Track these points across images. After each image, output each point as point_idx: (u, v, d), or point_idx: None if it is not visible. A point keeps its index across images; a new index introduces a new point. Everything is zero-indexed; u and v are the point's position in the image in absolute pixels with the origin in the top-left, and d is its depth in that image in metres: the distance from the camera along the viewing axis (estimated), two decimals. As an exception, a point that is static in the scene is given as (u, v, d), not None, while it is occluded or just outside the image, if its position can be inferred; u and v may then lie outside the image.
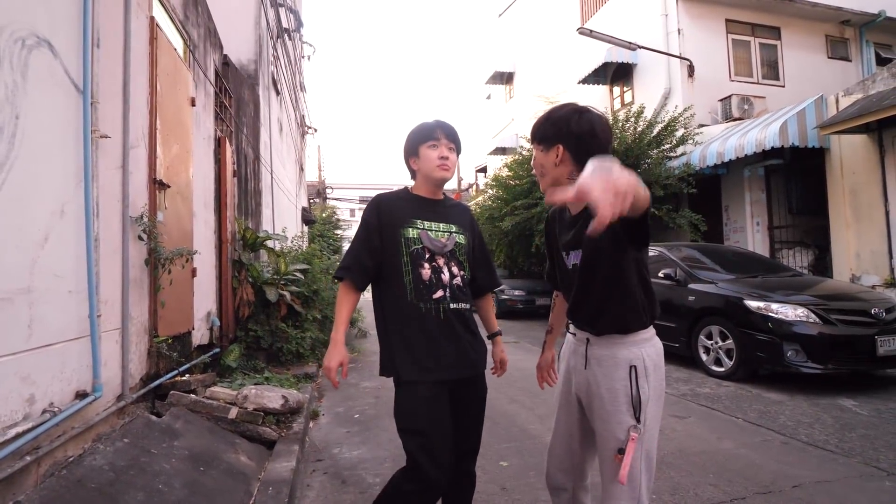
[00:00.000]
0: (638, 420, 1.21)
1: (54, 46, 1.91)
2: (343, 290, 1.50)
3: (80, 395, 2.03)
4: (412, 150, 1.55)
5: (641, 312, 1.26)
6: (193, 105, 3.60)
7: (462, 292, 1.52)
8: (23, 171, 1.70)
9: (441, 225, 1.53)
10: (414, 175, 1.59)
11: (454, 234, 1.54)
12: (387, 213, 1.52)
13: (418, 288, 1.46)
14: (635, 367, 1.24)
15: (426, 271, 1.47)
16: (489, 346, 1.66)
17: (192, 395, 2.83)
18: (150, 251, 2.70)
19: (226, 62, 5.12)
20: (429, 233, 1.50)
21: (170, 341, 2.98)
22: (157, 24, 2.92)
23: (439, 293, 1.47)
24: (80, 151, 2.06)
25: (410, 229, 1.49)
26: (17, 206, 1.68)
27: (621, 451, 1.18)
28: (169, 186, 3.00)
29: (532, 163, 1.35)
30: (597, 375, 1.27)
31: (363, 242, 1.51)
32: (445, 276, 1.49)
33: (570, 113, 1.31)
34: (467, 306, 1.54)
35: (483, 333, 1.65)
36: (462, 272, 1.54)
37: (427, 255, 1.48)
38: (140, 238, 2.61)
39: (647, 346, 1.26)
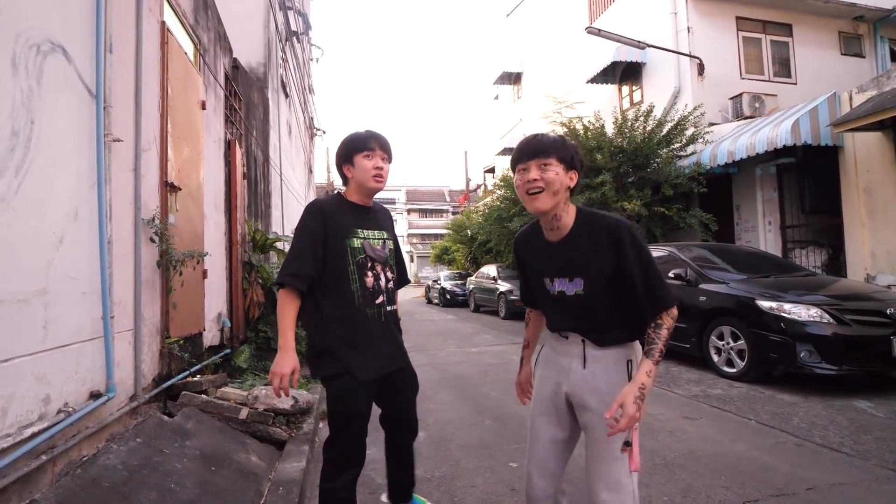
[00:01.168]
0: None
1: (68, 52, 1.95)
2: (287, 297, 1.53)
3: (94, 396, 2.06)
4: (346, 158, 1.65)
5: (644, 327, 1.30)
6: (204, 108, 3.64)
7: (393, 294, 1.71)
8: (38, 174, 1.73)
9: (376, 233, 1.68)
10: (346, 181, 1.69)
11: (386, 241, 1.71)
12: (331, 222, 1.59)
13: (365, 295, 1.60)
14: (631, 360, 1.33)
15: (370, 279, 1.61)
16: None
17: (204, 396, 2.86)
18: (162, 253, 2.73)
19: (235, 65, 5.17)
20: (370, 241, 1.64)
21: (181, 342, 3.01)
22: (167, 29, 2.96)
23: (380, 298, 1.63)
24: (93, 155, 2.09)
25: (354, 239, 1.61)
26: (32, 208, 1.71)
27: (628, 443, 1.22)
28: (180, 189, 3.04)
29: (533, 177, 1.29)
30: (595, 372, 1.33)
31: (309, 251, 1.55)
32: (382, 282, 1.65)
33: (579, 149, 1.40)
34: (396, 307, 1.74)
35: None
36: (392, 275, 1.71)
37: (369, 264, 1.62)
38: (152, 240, 2.65)
39: (639, 343, 1.34)
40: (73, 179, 1.97)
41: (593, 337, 1.34)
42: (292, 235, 1.71)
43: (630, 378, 1.28)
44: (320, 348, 1.59)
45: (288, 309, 1.52)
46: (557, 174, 1.29)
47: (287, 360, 1.46)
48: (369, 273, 1.61)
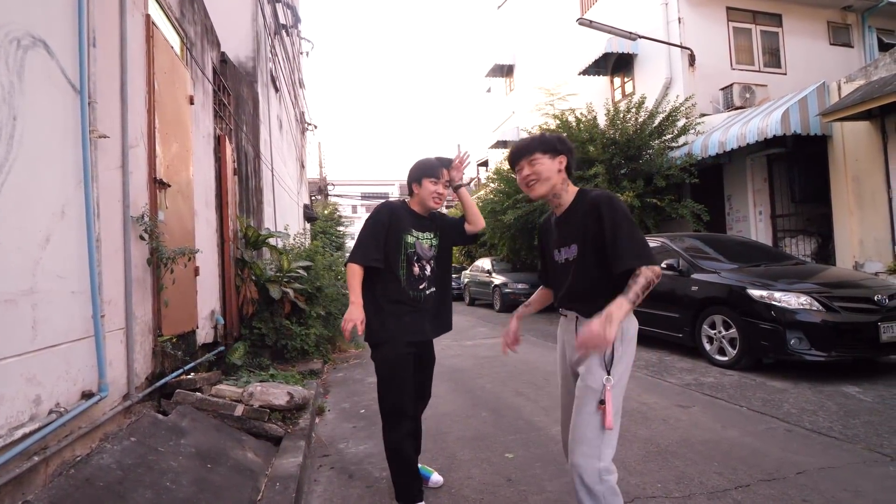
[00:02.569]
0: (609, 373, 1.42)
1: (50, 46, 1.90)
2: (354, 269, 1.94)
3: (87, 395, 2.04)
4: (416, 179, 2.08)
5: None
6: (192, 103, 3.59)
7: (434, 281, 2.10)
8: (22, 172, 1.70)
9: (427, 234, 2.10)
10: (411, 193, 2.13)
11: (432, 241, 2.12)
12: (395, 219, 2.02)
13: (410, 280, 2.01)
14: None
15: (416, 269, 2.02)
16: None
17: (198, 394, 2.85)
18: (153, 251, 2.70)
19: (224, 59, 5.10)
20: (421, 242, 2.06)
21: (174, 340, 2.99)
22: (153, 22, 2.90)
23: (423, 284, 2.04)
24: (79, 152, 2.06)
25: (408, 237, 2.02)
26: (17, 207, 1.68)
27: (602, 402, 1.40)
28: (169, 185, 3.00)
29: (526, 174, 1.58)
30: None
31: (374, 237, 1.98)
32: (428, 271, 2.08)
33: (561, 136, 1.65)
34: (435, 289, 2.11)
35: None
36: (435, 268, 2.11)
37: (416, 258, 2.03)
38: (142, 238, 2.61)
39: (627, 320, 1.46)
40: (59, 177, 1.94)
41: (581, 308, 1.55)
42: (362, 227, 2.09)
43: (609, 349, 1.43)
44: (372, 319, 1.94)
45: (355, 276, 1.92)
46: (544, 164, 1.57)
47: (356, 311, 1.85)
48: (416, 265, 2.01)
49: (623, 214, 1.45)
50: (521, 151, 1.61)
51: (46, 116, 1.88)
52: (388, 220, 2.00)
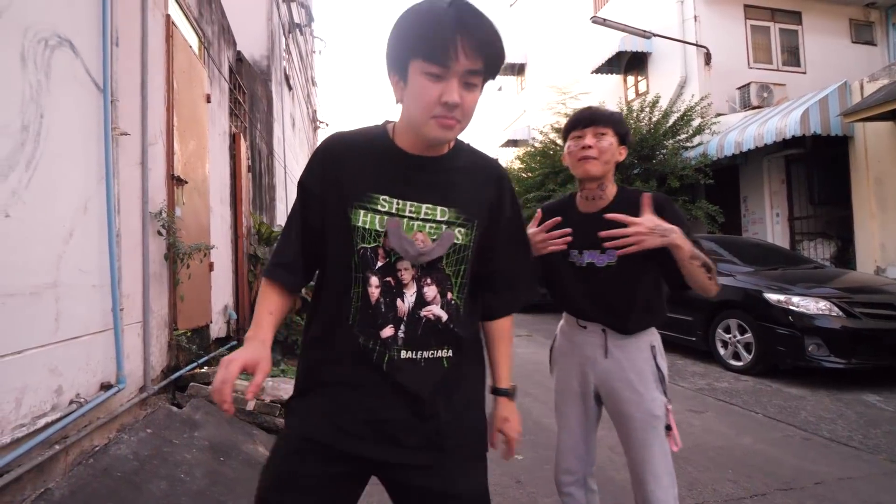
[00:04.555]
0: (665, 394, 1.30)
1: (75, 46, 1.94)
2: (263, 287, 0.96)
3: (105, 387, 2.09)
4: (398, 63, 0.82)
5: (662, 313, 1.38)
6: (209, 101, 3.64)
7: (440, 330, 0.89)
8: (47, 168, 1.74)
9: (425, 207, 0.87)
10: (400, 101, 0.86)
11: (438, 225, 0.87)
12: (338, 171, 0.89)
13: (365, 314, 0.86)
14: (654, 346, 1.35)
15: (376, 289, 0.86)
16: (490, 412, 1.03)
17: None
18: (169, 246, 2.75)
19: (239, 58, 5.16)
20: (400, 224, 0.86)
21: (189, 334, 3.04)
22: (172, 22, 2.95)
23: (390, 330, 0.86)
24: (101, 149, 2.10)
25: (363, 209, 0.86)
26: (42, 202, 1.72)
27: (669, 427, 1.28)
28: (186, 182, 3.05)
29: (588, 143, 1.31)
30: (621, 361, 1.33)
31: (289, 224, 0.96)
32: (414, 298, 0.87)
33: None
34: (447, 353, 0.90)
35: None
36: (451, 295, 0.89)
37: (382, 264, 0.86)
38: (159, 233, 2.66)
39: (656, 337, 1.37)
40: (82, 173, 1.98)
41: (613, 322, 1.33)
42: None
43: (656, 364, 1.31)
44: (300, 359, 0.97)
45: (263, 302, 0.95)
46: (611, 144, 1.33)
47: (243, 359, 0.84)
48: (378, 279, 0.86)
49: (686, 221, 1.28)
50: (592, 117, 1.34)
51: (71, 114, 1.92)
52: (322, 182, 0.90)
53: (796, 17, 9.59)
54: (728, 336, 4.53)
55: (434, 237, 0.87)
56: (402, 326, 0.87)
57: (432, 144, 0.87)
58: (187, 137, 3.12)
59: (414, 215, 0.87)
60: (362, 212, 0.86)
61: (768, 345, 4.14)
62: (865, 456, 2.55)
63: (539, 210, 1.46)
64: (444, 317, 0.89)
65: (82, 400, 1.88)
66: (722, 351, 4.58)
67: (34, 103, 1.69)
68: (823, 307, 3.93)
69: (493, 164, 0.99)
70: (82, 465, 1.81)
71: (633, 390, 1.30)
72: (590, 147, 1.31)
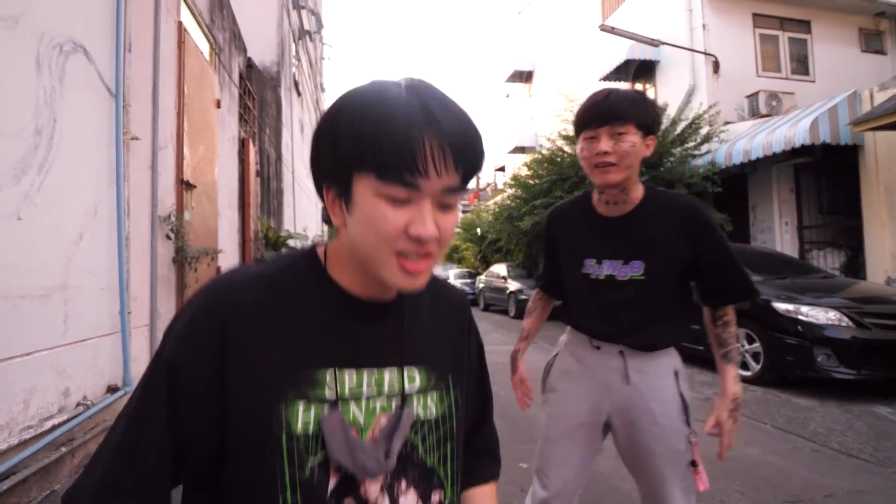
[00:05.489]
0: (688, 425, 1.16)
1: (89, 51, 1.98)
2: None
3: (112, 389, 2.10)
4: (335, 174, 0.52)
5: (683, 329, 1.22)
6: (219, 107, 3.68)
7: None
8: (60, 172, 1.77)
9: (388, 375, 0.56)
10: (327, 222, 0.60)
11: (406, 400, 0.57)
12: (249, 331, 0.53)
13: None
14: (678, 371, 1.19)
15: None
16: None
17: (217, 391, 2.90)
18: (178, 250, 2.77)
19: (249, 64, 5.22)
20: (343, 410, 0.53)
21: (195, 338, 3.05)
22: (184, 29, 2.99)
23: None
24: (112, 153, 2.13)
25: (297, 404, 0.51)
26: (53, 205, 1.75)
27: (694, 464, 1.16)
28: (195, 187, 3.08)
29: (604, 149, 1.06)
30: (641, 388, 1.15)
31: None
32: None
33: (657, 108, 1.18)
34: None
35: None
36: (439, 497, 0.58)
37: (335, 487, 0.51)
38: (168, 237, 2.68)
39: (678, 360, 1.21)
40: (93, 177, 2.01)
41: (633, 341, 1.15)
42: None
43: (680, 391, 1.16)
44: None
45: None
46: (634, 145, 1.05)
47: None
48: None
49: (723, 235, 1.14)
50: (605, 111, 1.05)
51: (83, 118, 1.95)
52: (213, 361, 0.49)
53: (805, 25, 9.56)
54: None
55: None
56: None
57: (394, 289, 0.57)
58: (197, 142, 3.16)
59: (374, 393, 0.54)
60: (301, 405, 0.50)
61: (777, 355, 4.09)
62: (876, 469, 2.50)
63: (518, 365, 1.38)
64: None
65: (89, 402, 1.89)
66: (729, 360, 4.53)
67: (48, 108, 1.72)
68: (833, 317, 3.88)
69: (461, 296, 0.71)
70: (88, 467, 1.82)
71: (655, 422, 1.13)
72: (606, 153, 1.05)
